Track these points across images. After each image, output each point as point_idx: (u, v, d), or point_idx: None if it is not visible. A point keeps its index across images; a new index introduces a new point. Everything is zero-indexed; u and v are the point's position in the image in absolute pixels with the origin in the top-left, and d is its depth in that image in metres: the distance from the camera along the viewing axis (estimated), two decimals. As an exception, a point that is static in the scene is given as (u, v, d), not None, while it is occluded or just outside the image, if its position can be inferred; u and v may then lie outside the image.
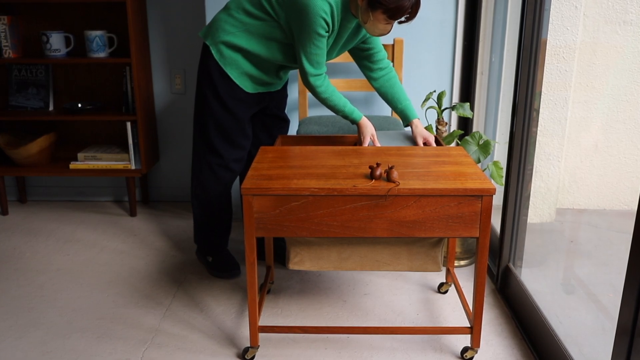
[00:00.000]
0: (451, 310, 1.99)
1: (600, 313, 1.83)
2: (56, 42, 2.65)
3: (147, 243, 2.55)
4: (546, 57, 1.91)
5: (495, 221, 2.15)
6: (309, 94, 2.59)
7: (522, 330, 1.86)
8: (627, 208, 2.13)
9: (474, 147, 2.12)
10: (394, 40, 2.48)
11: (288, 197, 1.54)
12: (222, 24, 1.93)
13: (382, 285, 2.15)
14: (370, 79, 2.05)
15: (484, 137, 2.13)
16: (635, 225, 1.16)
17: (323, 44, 1.84)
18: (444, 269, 2.22)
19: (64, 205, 3.01)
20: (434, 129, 2.27)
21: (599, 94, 2.09)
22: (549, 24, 1.89)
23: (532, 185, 2.03)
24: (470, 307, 1.80)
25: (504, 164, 2.08)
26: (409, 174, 1.62)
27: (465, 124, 2.61)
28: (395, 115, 2.52)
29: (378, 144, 1.95)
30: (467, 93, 2.59)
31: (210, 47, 1.96)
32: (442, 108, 2.24)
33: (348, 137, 2.05)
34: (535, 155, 2.00)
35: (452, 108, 2.21)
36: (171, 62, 2.86)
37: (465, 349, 1.73)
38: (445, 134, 2.23)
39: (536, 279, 2.04)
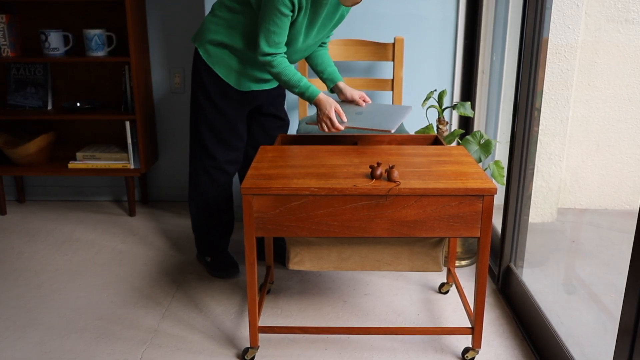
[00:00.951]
0: (452, 311, 1.98)
1: (601, 313, 1.83)
2: (55, 41, 2.64)
3: (146, 243, 2.55)
4: (547, 56, 1.90)
5: (497, 221, 2.14)
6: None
7: (523, 330, 1.85)
8: (628, 208, 2.13)
9: (475, 147, 2.11)
10: (394, 39, 2.47)
11: (288, 197, 1.53)
12: (208, 25, 1.95)
13: (383, 286, 2.14)
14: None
15: (485, 137, 2.12)
16: (637, 225, 1.16)
17: (284, 24, 1.78)
18: (444, 269, 2.21)
19: (63, 205, 3.00)
20: (435, 128, 2.26)
21: (601, 93, 2.08)
22: (551, 23, 1.88)
23: (534, 184, 2.03)
24: (471, 308, 1.79)
25: (505, 163, 2.07)
26: (409, 174, 1.61)
27: (466, 123, 2.61)
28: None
29: (344, 118, 1.83)
30: (468, 92, 2.59)
31: (199, 49, 1.97)
32: (443, 107, 2.23)
33: (348, 136, 2.04)
34: (537, 154, 1.99)
35: (453, 107, 2.20)
36: (170, 61, 2.85)
37: (466, 350, 1.72)
38: (446, 133, 2.22)
39: (537, 279, 2.03)
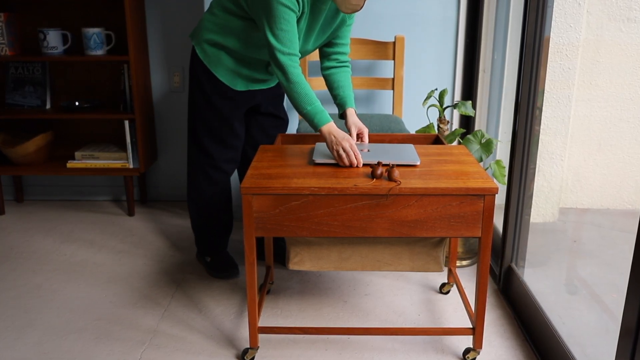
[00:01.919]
0: (453, 311, 1.97)
1: (603, 313, 1.82)
2: (53, 40, 2.63)
3: (145, 243, 2.54)
4: (549, 55, 1.89)
5: (498, 221, 2.13)
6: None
7: (524, 331, 1.84)
8: (630, 207, 2.12)
9: (476, 146, 2.11)
10: (395, 37, 2.46)
11: (288, 197, 1.52)
12: (206, 23, 1.93)
13: (383, 286, 2.13)
14: (324, 69, 1.98)
15: (486, 136, 2.12)
16: (639, 225, 1.15)
17: (292, 20, 1.67)
18: (445, 269, 2.20)
19: (61, 204, 2.99)
20: (436, 127, 2.25)
21: (603, 92, 2.07)
22: (552, 22, 1.88)
23: (535, 184, 2.02)
24: (472, 308, 1.78)
25: (506, 162, 2.06)
26: (410, 173, 1.60)
27: (467, 122, 2.60)
28: (397, 114, 2.50)
29: (360, 157, 1.65)
30: (469, 91, 2.58)
31: (196, 48, 1.95)
32: (444, 106, 2.22)
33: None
34: (538, 154, 1.99)
35: (454, 106, 2.19)
36: (170, 59, 2.84)
37: (467, 350, 1.71)
38: (447, 133, 2.21)
39: (539, 279, 2.03)
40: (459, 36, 2.53)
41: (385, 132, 2.25)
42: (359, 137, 1.85)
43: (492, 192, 1.51)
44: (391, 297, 2.06)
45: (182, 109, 2.91)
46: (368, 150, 1.75)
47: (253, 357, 1.71)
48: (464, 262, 2.28)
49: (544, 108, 2.04)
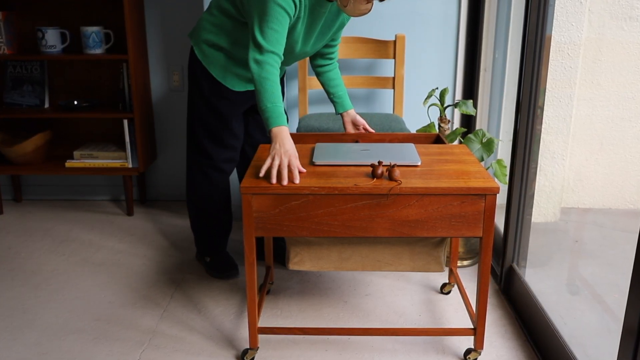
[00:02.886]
0: (454, 311, 1.96)
1: (605, 314, 1.81)
2: (52, 38, 2.62)
3: (145, 243, 2.53)
4: (551, 54, 1.89)
5: (499, 220, 2.12)
6: (309, 90, 2.56)
7: (526, 331, 1.83)
8: (632, 207, 2.12)
9: (477, 145, 2.10)
10: (395, 36, 2.45)
11: (288, 196, 1.51)
12: (204, 23, 1.92)
13: (384, 286, 2.12)
14: (316, 66, 2.05)
15: (488, 135, 2.11)
16: (642, 225, 1.14)
17: (285, 22, 1.64)
18: (446, 270, 2.19)
19: (60, 204, 2.98)
20: (437, 126, 2.24)
21: (605, 91, 2.07)
22: (554, 20, 1.87)
23: (537, 184, 2.01)
24: (474, 308, 1.77)
25: (507, 162, 2.05)
26: (410, 173, 1.59)
27: (468, 121, 2.59)
28: (398, 113, 2.49)
29: (296, 179, 1.52)
30: (470, 90, 2.58)
31: (194, 47, 1.95)
32: (445, 105, 2.21)
33: (348, 135, 2.02)
34: (540, 153, 1.98)
35: (455, 105, 2.18)
36: (169, 58, 2.83)
37: (468, 351, 1.70)
38: (447, 132, 2.20)
39: (540, 279, 2.02)
40: (459, 35, 2.52)
41: (386, 131, 2.23)
42: (357, 126, 1.99)
43: (494, 192, 1.50)
44: (392, 297, 2.05)
45: (182, 108, 2.90)
46: (367, 150, 1.74)
47: (253, 358, 1.70)
48: (465, 262, 2.27)
49: (545, 107, 2.03)
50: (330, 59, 2.02)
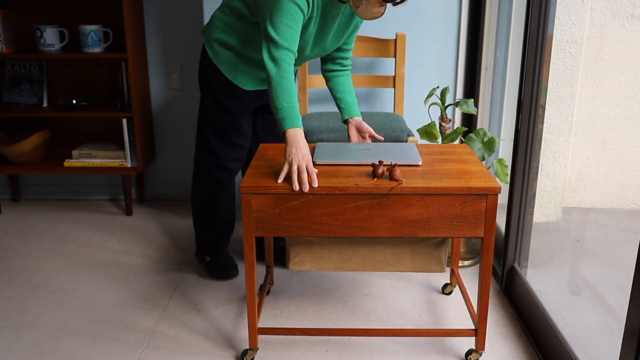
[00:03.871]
0: (455, 312, 1.95)
1: (607, 314, 1.81)
2: (50, 37, 2.61)
3: (144, 243, 2.51)
4: (552, 53, 1.88)
5: (500, 220, 2.12)
6: (309, 89, 2.55)
7: (527, 331, 1.82)
8: (635, 207, 2.11)
9: (478, 145, 2.09)
10: (396, 35, 2.44)
11: (288, 196, 1.50)
12: (216, 21, 1.89)
13: (385, 286, 2.11)
14: (326, 70, 1.97)
15: (489, 134, 2.10)
16: (644, 225, 1.13)
17: (299, 19, 1.60)
18: (448, 270, 2.18)
19: (58, 204, 2.97)
20: (437, 125, 2.22)
21: (606, 90, 2.06)
22: (555, 19, 1.86)
23: (538, 183, 2.01)
24: (475, 309, 1.76)
25: (509, 161, 2.04)
26: (411, 172, 1.58)
27: (469, 120, 2.58)
28: (398, 112, 2.48)
29: (315, 183, 1.48)
30: (471, 89, 2.57)
31: (205, 45, 1.93)
32: (446, 104, 2.19)
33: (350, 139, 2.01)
34: (541, 152, 1.97)
35: (456, 104, 2.17)
36: (168, 57, 2.81)
37: (469, 352, 1.69)
38: (448, 131, 2.19)
39: (542, 279, 2.01)
40: (460, 33, 2.51)
41: (387, 130, 2.23)
42: (361, 132, 1.89)
43: (495, 192, 1.49)
44: (392, 297, 2.04)
45: (180, 106, 2.88)
46: (369, 150, 1.73)
47: (252, 359, 1.69)
48: (466, 262, 2.26)
49: (547, 106, 2.03)
50: (343, 65, 1.95)
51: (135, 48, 2.61)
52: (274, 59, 1.58)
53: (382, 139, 1.90)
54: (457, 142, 2.29)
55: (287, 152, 1.53)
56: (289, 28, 1.58)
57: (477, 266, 2.26)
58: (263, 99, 2.03)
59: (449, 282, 2.09)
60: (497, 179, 2.05)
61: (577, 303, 1.95)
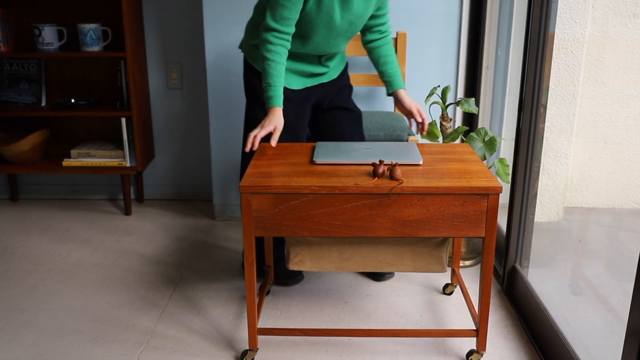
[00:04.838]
0: (456, 312, 1.94)
1: (609, 315, 1.80)
2: (49, 36, 2.60)
3: (143, 243, 2.50)
4: (554, 51, 1.87)
5: (502, 220, 2.11)
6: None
7: (528, 332, 1.81)
8: (637, 207, 2.10)
9: (479, 144, 2.08)
10: (397, 33, 2.43)
11: (288, 196, 1.49)
12: (248, 29, 1.89)
13: (385, 286, 2.10)
14: (366, 42, 1.92)
15: (490, 134, 2.09)
16: (647, 225, 1.12)
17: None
18: (449, 270, 2.17)
19: (57, 203, 2.95)
20: (438, 125, 2.22)
21: (608, 89, 2.05)
22: (557, 17, 1.86)
23: (540, 183, 2.00)
24: (476, 309, 1.75)
25: (510, 161, 2.03)
26: (412, 172, 1.57)
27: (470, 120, 2.57)
28: (398, 111, 2.47)
29: (273, 143, 1.68)
30: (473, 88, 2.56)
31: (246, 56, 1.91)
32: (447, 103, 2.18)
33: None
34: (543, 152, 1.96)
35: (457, 103, 2.16)
36: (167, 56, 2.80)
37: (470, 352, 1.68)
38: (449, 130, 2.18)
39: (543, 279, 2.00)
40: (462, 32, 2.50)
41: (387, 130, 2.21)
42: (421, 115, 1.84)
43: (496, 192, 1.48)
44: (393, 297, 2.03)
45: (180, 105, 2.87)
46: (369, 149, 1.72)
47: (252, 359, 1.68)
48: (467, 262, 2.25)
49: (548, 105, 2.02)
50: (381, 32, 1.88)
51: (134, 47, 2.60)
52: (261, 41, 1.69)
53: (427, 119, 1.83)
54: (458, 141, 2.28)
55: (263, 121, 1.69)
56: (282, 7, 1.66)
57: (478, 266, 2.25)
58: (315, 96, 1.94)
59: (449, 282, 2.08)
60: (499, 179, 2.04)
61: (579, 303, 1.95)
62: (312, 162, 1.65)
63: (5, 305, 1.99)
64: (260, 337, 1.78)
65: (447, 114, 2.18)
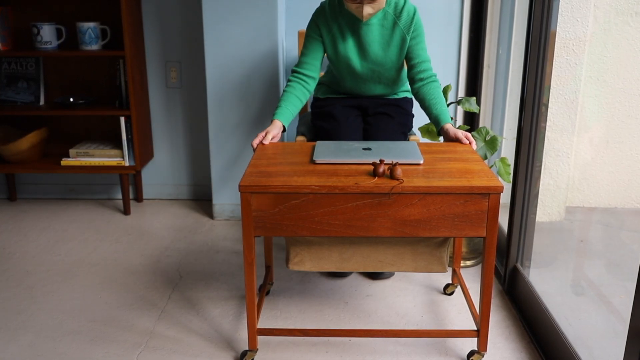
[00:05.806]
0: (457, 313, 1.93)
1: (611, 315, 1.79)
2: (47, 34, 2.58)
3: (141, 242, 2.49)
4: (555, 50, 1.86)
5: (503, 220, 2.10)
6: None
7: (530, 333, 1.80)
8: (639, 206, 2.09)
9: (480, 143, 2.07)
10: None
11: (288, 195, 1.48)
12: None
13: (385, 287, 2.09)
14: (413, 91, 2.00)
15: (491, 133, 2.08)
16: (649, 225, 1.12)
17: (310, 45, 1.98)
18: (449, 270, 2.16)
19: (55, 203, 2.94)
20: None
21: (610, 88, 2.04)
22: (559, 15, 1.85)
23: (541, 182, 1.99)
24: (477, 309, 1.74)
25: (511, 160, 2.03)
26: (413, 171, 1.56)
27: (471, 119, 2.57)
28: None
29: (265, 142, 1.82)
30: (474, 87, 2.55)
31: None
32: (448, 102, 2.17)
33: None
34: (544, 151, 1.96)
35: (458, 102, 2.16)
36: (166, 54, 2.79)
37: (471, 353, 1.67)
38: (450, 130, 2.17)
39: (545, 279, 1.99)
40: (463, 31, 2.50)
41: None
42: (469, 140, 1.84)
43: (497, 191, 1.47)
44: (393, 298, 2.02)
45: (179, 105, 2.86)
46: (370, 149, 1.71)
47: None
48: (468, 262, 2.24)
49: (550, 104, 2.01)
50: (422, 79, 1.94)
51: (133, 45, 2.59)
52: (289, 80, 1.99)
53: (473, 142, 1.83)
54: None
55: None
56: (302, 54, 2.00)
57: (479, 266, 2.24)
58: (360, 102, 2.09)
59: (450, 282, 2.07)
60: (500, 178, 2.03)
61: (581, 304, 1.94)
62: (312, 162, 1.64)
63: (4, 305, 1.98)
64: (260, 338, 1.77)
65: (447, 113, 2.17)
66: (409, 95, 2.16)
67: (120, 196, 3.00)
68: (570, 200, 2.25)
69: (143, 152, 2.75)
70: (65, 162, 2.70)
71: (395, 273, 2.16)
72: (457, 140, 1.83)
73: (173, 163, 2.95)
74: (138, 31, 2.67)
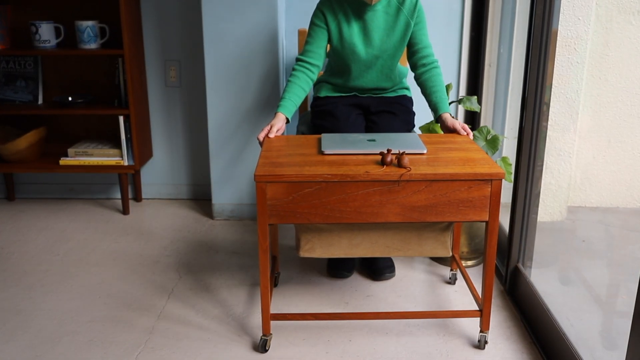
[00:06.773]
0: (459, 308, 1.92)
1: (613, 315, 1.78)
2: (46, 33, 2.57)
3: (141, 242, 2.48)
4: (557, 49, 1.86)
5: (504, 220, 2.09)
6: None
7: (531, 333, 1.80)
8: (641, 206, 2.09)
9: (481, 143, 2.07)
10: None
11: (301, 184, 1.54)
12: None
13: (386, 287, 2.09)
14: (415, 77, 2.03)
15: (492, 132, 2.08)
16: (650, 224, 1.12)
17: (315, 33, 1.98)
18: (449, 273, 2.16)
19: (54, 203, 2.93)
20: (440, 123, 2.20)
21: (612, 87, 2.04)
22: (560, 14, 1.85)
23: (542, 182, 1.99)
24: (479, 292, 1.75)
25: (513, 160, 2.02)
26: (418, 160, 1.62)
27: (472, 118, 2.57)
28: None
29: (271, 135, 1.85)
30: (475, 86, 2.55)
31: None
32: (449, 102, 2.17)
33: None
34: (546, 150, 1.96)
35: (459, 102, 2.16)
36: (166, 53, 2.78)
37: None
38: (451, 129, 2.16)
39: (546, 279, 1.99)
40: (464, 29, 2.50)
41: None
42: (465, 130, 1.87)
43: (499, 177, 1.54)
44: (394, 298, 2.01)
45: (178, 104, 2.85)
46: (374, 140, 1.75)
47: (266, 343, 1.70)
48: (469, 262, 2.23)
49: (551, 103, 2.01)
50: (425, 65, 1.98)
51: (132, 44, 2.58)
52: (293, 69, 1.99)
53: (470, 133, 1.87)
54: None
55: None
56: (307, 43, 2.00)
57: (481, 266, 2.23)
58: (362, 101, 2.08)
59: (449, 279, 2.08)
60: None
61: (583, 304, 1.93)
62: (320, 153, 1.69)
63: (2, 306, 1.97)
64: (259, 338, 1.75)
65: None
66: (409, 93, 2.17)
67: (119, 196, 2.99)
68: (572, 199, 2.25)
69: (142, 151, 2.74)
70: (64, 161, 2.69)
71: (396, 273, 2.15)
72: (454, 130, 1.88)
73: (172, 162, 2.94)
74: (137, 30, 2.66)
